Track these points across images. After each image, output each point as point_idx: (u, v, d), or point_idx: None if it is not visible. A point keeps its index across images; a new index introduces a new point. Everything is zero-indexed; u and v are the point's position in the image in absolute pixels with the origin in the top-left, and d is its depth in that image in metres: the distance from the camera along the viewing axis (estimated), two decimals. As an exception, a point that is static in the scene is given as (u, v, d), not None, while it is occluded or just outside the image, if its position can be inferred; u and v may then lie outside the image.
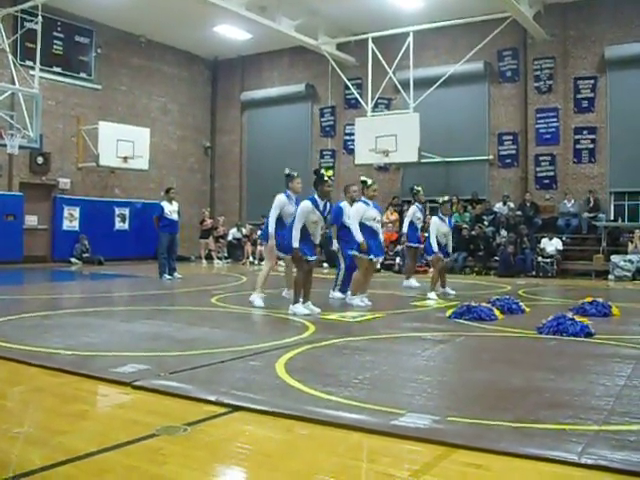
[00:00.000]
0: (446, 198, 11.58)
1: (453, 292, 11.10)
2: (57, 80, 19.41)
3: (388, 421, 3.64)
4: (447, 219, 11.10)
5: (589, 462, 3.02)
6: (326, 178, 8.31)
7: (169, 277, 14.07)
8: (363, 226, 9.23)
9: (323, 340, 6.31)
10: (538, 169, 18.17)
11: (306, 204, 8.23)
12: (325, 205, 8.39)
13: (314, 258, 8.51)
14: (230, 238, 21.77)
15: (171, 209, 14.28)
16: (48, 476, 2.88)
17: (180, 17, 19.21)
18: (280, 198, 9.11)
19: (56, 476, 2.90)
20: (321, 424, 3.66)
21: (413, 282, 12.45)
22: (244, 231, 21.50)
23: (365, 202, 9.40)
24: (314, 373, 4.91)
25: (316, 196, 8.33)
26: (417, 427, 3.53)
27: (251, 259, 20.16)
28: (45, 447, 3.26)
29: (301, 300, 8.38)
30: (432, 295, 10.45)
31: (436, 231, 10.79)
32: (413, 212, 12.27)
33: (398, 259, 17.52)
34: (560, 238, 16.75)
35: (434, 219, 10.99)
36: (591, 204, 17.08)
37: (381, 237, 10.01)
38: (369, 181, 9.58)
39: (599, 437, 3.39)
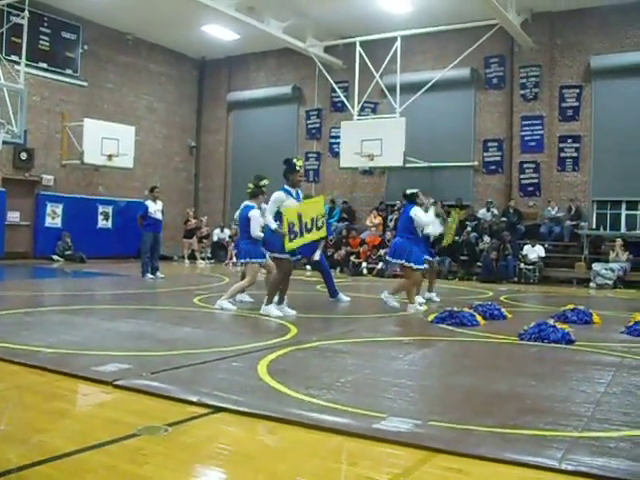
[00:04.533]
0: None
1: (438, 299, 10.89)
2: (42, 76, 19.28)
3: (370, 424, 3.64)
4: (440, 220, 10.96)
5: (569, 468, 3.04)
6: (298, 167, 8.26)
7: (151, 276, 14.01)
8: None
9: (305, 342, 6.31)
10: (522, 176, 18.28)
11: (278, 193, 8.20)
12: (297, 194, 8.35)
13: (295, 258, 8.51)
14: (215, 239, 21.75)
15: (155, 208, 14.21)
16: (26, 476, 2.86)
17: (168, 16, 19.17)
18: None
19: (34, 476, 2.87)
20: (303, 426, 3.66)
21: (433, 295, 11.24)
22: (228, 232, 21.46)
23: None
24: (296, 375, 4.91)
25: (286, 186, 8.29)
26: (398, 431, 3.54)
27: (234, 260, 20.08)
28: (24, 446, 3.23)
29: (275, 301, 8.42)
30: (418, 299, 10.41)
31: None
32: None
33: (381, 264, 17.55)
34: (542, 245, 16.85)
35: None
36: (572, 212, 17.21)
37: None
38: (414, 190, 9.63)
39: (579, 443, 3.42)
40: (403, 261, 9.19)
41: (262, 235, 8.85)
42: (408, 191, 9.67)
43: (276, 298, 8.53)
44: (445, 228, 10.69)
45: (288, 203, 8.09)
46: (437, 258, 11.30)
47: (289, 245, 7.96)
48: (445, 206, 18.44)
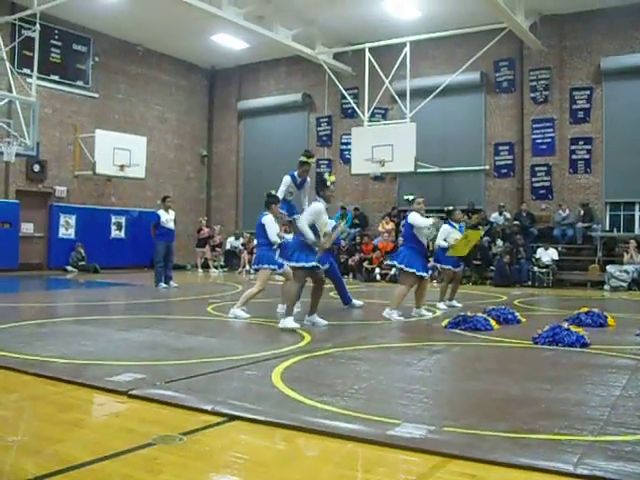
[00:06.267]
0: (451, 208, 11.35)
1: (459, 305, 10.88)
2: (54, 88, 19.44)
3: (384, 431, 3.63)
4: (458, 226, 10.85)
5: (584, 472, 3.02)
6: (329, 184, 8.20)
7: (165, 286, 14.04)
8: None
9: (319, 350, 6.31)
10: (534, 179, 18.23)
11: (318, 205, 8.05)
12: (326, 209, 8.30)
13: (322, 267, 8.32)
14: (228, 247, 21.81)
15: (167, 218, 14.25)
16: (43, 485, 2.88)
17: (178, 26, 19.27)
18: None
19: (51, 485, 2.89)
20: (317, 434, 3.66)
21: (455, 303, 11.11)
22: (242, 240, 21.50)
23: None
24: (310, 383, 4.91)
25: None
26: (413, 437, 3.53)
27: (247, 268, 20.13)
28: (40, 456, 3.25)
29: (295, 312, 8.31)
30: (441, 305, 10.45)
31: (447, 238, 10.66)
32: (447, 231, 10.70)
33: (394, 269, 17.52)
34: (556, 248, 16.78)
35: (444, 226, 10.67)
36: (581, 214, 17.14)
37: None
38: (411, 197, 9.62)
39: (595, 447, 3.39)
40: (402, 266, 9.09)
41: (279, 240, 8.87)
42: (405, 197, 9.74)
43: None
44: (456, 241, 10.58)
45: (325, 219, 8.02)
46: (461, 267, 11.26)
47: None
48: (467, 220, 18.11)
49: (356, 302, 10.50)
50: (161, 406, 4.22)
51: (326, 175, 8.35)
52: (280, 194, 9.54)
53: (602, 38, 17.40)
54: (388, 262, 9.63)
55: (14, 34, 17.85)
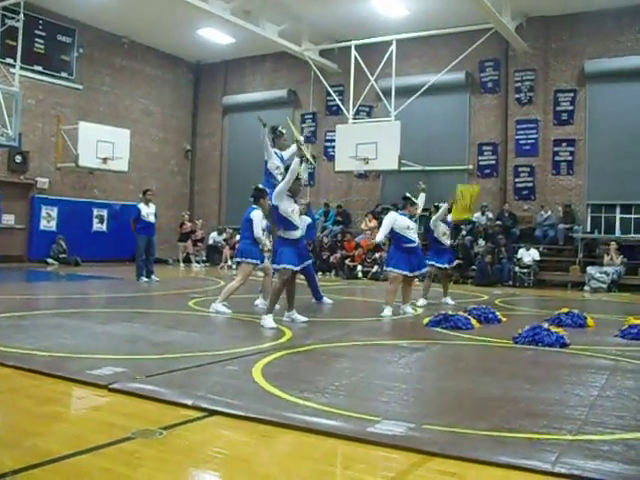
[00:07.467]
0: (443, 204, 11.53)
1: (452, 302, 11.07)
2: (38, 79, 19.25)
3: (364, 428, 3.64)
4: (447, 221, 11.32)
5: (563, 471, 3.05)
6: (299, 176, 7.91)
7: (146, 279, 13.98)
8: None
9: (300, 346, 6.31)
10: (517, 180, 18.31)
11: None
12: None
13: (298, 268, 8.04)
14: (211, 242, 21.75)
15: (148, 211, 14.16)
16: (20, 479, 2.85)
17: (164, 19, 19.16)
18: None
19: (28, 479, 2.86)
20: (297, 430, 3.66)
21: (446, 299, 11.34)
22: (224, 235, 21.45)
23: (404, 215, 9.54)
24: (291, 379, 4.91)
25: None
26: (393, 434, 3.54)
27: (229, 263, 20.07)
28: (17, 449, 3.23)
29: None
30: (420, 302, 10.52)
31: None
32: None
33: (376, 267, 17.56)
34: (537, 249, 16.88)
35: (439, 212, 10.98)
36: (560, 214, 17.25)
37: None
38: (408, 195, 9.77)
39: (573, 446, 3.42)
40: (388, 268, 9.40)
41: (262, 239, 8.84)
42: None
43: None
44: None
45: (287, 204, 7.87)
46: (448, 265, 11.28)
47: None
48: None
49: (326, 300, 10.61)
50: (141, 400, 4.20)
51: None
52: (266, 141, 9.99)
53: (587, 41, 17.52)
54: (386, 269, 9.68)
55: (-3, 23, 17.69)
